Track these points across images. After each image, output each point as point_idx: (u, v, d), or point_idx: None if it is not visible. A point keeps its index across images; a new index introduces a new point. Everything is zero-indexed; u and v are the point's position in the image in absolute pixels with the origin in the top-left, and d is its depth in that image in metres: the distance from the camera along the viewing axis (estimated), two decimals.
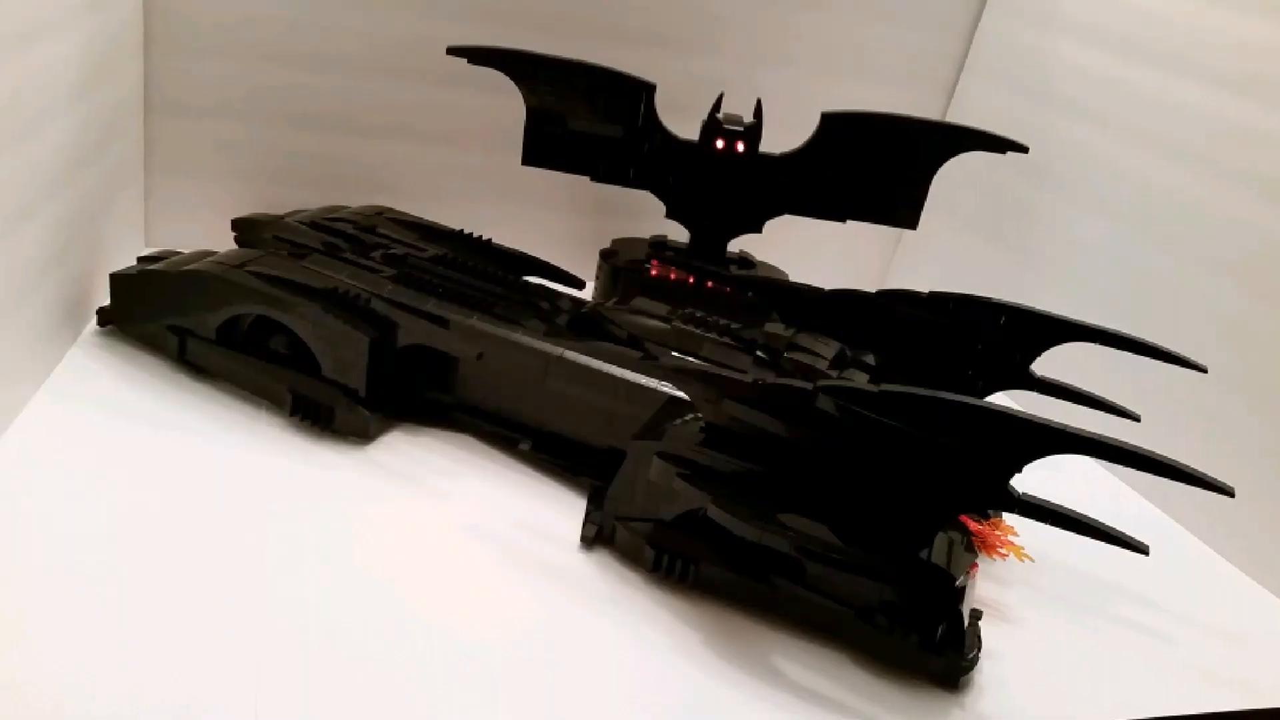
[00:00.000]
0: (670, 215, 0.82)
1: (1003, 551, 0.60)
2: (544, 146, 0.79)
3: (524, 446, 0.64)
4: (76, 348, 0.66)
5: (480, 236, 0.74)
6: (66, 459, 0.56)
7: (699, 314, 0.65)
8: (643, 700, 0.47)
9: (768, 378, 0.53)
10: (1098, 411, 0.61)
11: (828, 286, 0.64)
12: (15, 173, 0.55)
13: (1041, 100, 0.87)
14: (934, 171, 0.78)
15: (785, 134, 0.78)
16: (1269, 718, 0.54)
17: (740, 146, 0.78)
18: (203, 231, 0.78)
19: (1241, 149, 0.71)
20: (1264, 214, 0.69)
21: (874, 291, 0.63)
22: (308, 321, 0.62)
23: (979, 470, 0.47)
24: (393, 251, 0.69)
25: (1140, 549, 0.51)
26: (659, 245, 0.85)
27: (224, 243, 0.71)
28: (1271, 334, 0.68)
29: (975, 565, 0.55)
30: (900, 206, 0.80)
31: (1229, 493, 0.46)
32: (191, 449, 0.59)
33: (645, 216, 0.84)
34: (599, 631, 0.51)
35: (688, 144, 0.79)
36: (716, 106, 0.78)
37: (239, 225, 0.72)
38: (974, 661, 0.52)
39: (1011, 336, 0.61)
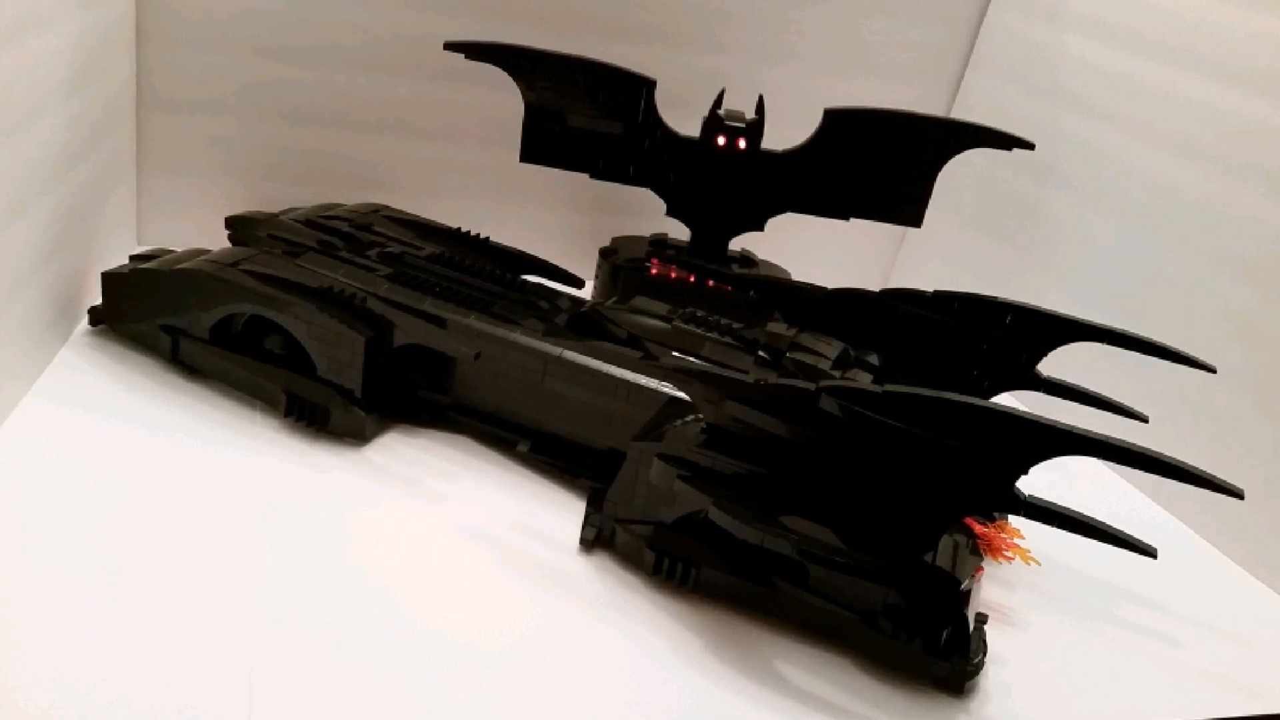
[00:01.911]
0: (671, 213, 0.81)
1: (1008, 554, 0.59)
2: (542, 143, 0.78)
3: (522, 448, 0.63)
4: (68, 347, 0.65)
5: (478, 235, 0.73)
6: (57, 460, 0.55)
7: (700, 313, 0.64)
8: (643, 705, 0.47)
9: (770, 378, 0.52)
10: (1105, 412, 0.61)
11: (830, 285, 0.64)
12: (6, 169, 0.55)
13: (1048, 96, 0.87)
14: (939, 169, 0.78)
15: (788, 130, 0.77)
16: None
17: (742, 143, 0.77)
18: (196, 229, 0.78)
19: (1251, 145, 0.71)
20: (1274, 211, 0.69)
21: (878, 290, 0.63)
22: (302, 321, 0.61)
23: (984, 472, 0.47)
24: (389, 250, 0.68)
25: (1148, 552, 0.50)
26: (659, 243, 0.84)
27: (218, 241, 0.70)
28: None
29: (980, 568, 0.55)
30: (904, 204, 0.79)
31: (1238, 495, 0.46)
32: (184, 450, 0.58)
33: (645, 214, 0.83)
34: (598, 636, 0.51)
35: (689, 141, 0.78)
36: (718, 103, 0.77)
37: (233, 223, 0.71)
38: (979, 666, 0.52)
39: (1017, 336, 0.61)
